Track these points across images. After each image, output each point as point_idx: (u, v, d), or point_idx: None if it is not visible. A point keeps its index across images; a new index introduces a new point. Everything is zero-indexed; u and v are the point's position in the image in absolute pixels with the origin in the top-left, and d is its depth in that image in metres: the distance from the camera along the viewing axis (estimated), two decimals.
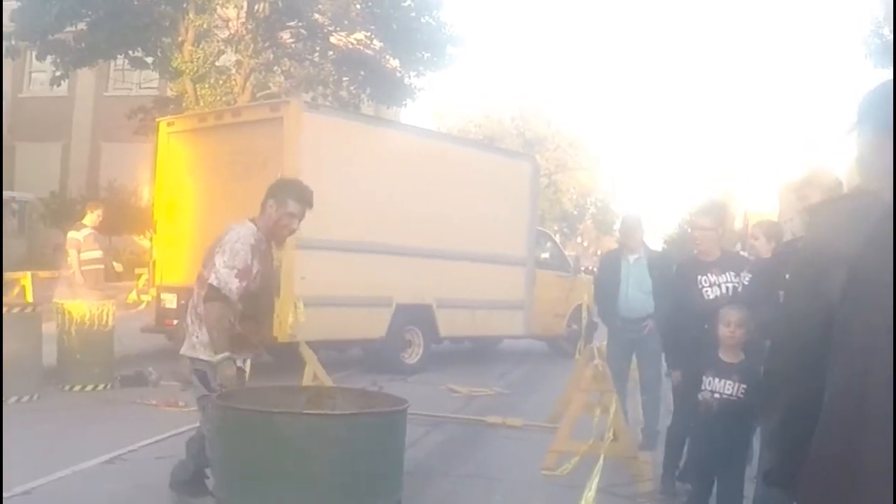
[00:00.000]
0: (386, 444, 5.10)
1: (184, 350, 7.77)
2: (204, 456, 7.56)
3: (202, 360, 7.49)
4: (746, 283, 8.83)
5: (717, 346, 7.66)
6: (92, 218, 18.93)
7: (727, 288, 8.93)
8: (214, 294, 7.35)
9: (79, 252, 18.54)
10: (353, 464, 4.90)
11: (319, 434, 4.95)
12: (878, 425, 2.67)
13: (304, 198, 7.92)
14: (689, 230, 11.61)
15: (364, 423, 5.16)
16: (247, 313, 7.66)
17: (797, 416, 3.08)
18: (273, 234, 7.93)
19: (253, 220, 7.85)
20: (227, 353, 7.20)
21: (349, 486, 4.87)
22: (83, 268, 18.50)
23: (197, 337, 7.57)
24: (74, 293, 16.92)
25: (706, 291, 9.02)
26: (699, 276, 9.10)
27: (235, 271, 7.40)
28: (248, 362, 8.13)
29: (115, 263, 21.72)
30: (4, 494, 8.49)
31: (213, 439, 5.26)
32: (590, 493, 6.87)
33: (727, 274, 9.00)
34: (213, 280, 7.34)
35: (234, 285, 7.35)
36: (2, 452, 7.98)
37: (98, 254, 19.06)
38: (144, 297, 24.76)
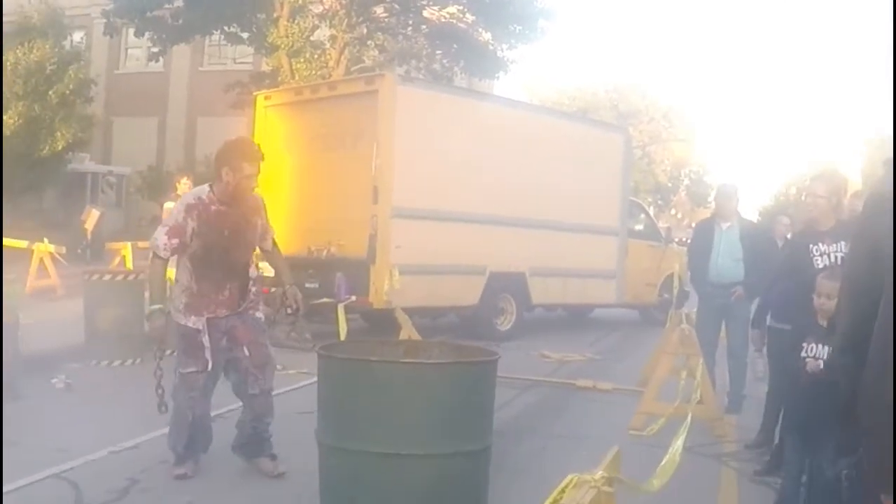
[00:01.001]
0: (477, 392, 5.41)
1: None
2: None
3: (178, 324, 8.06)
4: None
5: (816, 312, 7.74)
6: (183, 187, 19.30)
7: (836, 258, 8.71)
8: (153, 253, 7.95)
9: None
10: (446, 410, 5.22)
11: (415, 381, 5.28)
12: None
13: (255, 157, 8.07)
14: (804, 197, 11.58)
15: (456, 372, 5.48)
16: (199, 273, 7.99)
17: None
18: (235, 199, 8.06)
19: (210, 185, 8.10)
20: (158, 305, 7.80)
21: (442, 430, 5.19)
22: None
23: (171, 301, 8.22)
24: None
25: (816, 260, 9.00)
26: (811, 245, 9.09)
27: (166, 228, 7.87)
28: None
29: None
30: (115, 448, 8.98)
31: (318, 386, 5.59)
32: (676, 451, 7.10)
33: (839, 244, 8.70)
34: (150, 241, 7.98)
35: (161, 241, 7.75)
36: (2, 449, 8.32)
37: None
38: None
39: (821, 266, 8.67)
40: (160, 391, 8.19)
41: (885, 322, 3.01)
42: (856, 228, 3.58)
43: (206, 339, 7.98)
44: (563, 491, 3.73)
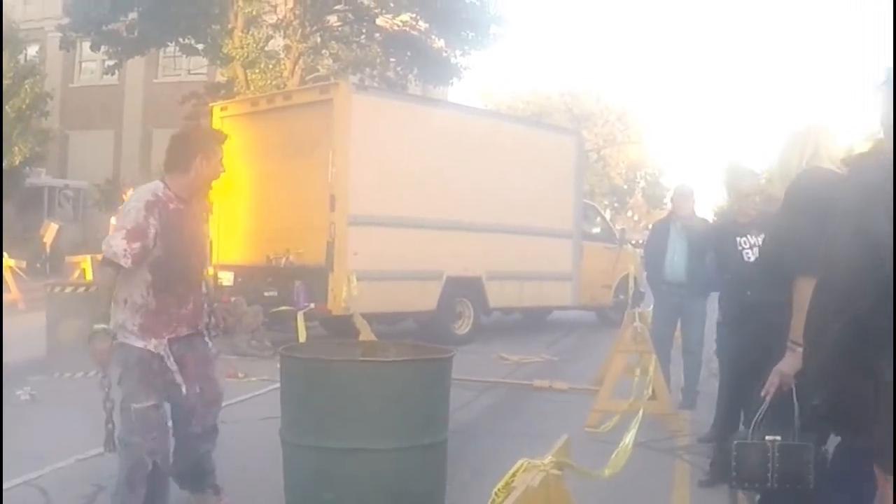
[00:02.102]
0: (433, 387, 5.62)
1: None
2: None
3: (117, 343, 6.64)
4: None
5: None
6: None
7: None
8: (105, 261, 6.56)
9: None
10: (404, 405, 5.43)
11: (373, 379, 5.48)
12: None
13: (223, 138, 7.26)
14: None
15: (412, 369, 5.69)
16: (160, 285, 6.70)
17: (847, 348, 3.40)
18: (202, 190, 7.28)
19: (163, 180, 6.93)
20: (102, 325, 6.40)
21: (400, 425, 5.40)
22: None
23: (118, 321, 6.67)
24: None
25: (746, 253, 9.09)
26: (738, 238, 9.18)
27: (123, 231, 6.48)
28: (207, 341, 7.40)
29: None
30: (82, 456, 9.12)
31: (281, 386, 5.76)
32: (625, 445, 7.31)
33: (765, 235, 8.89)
34: (103, 245, 6.53)
35: (119, 248, 6.40)
36: (2, 447, 8.47)
37: None
38: None
39: (752, 259, 8.82)
40: (110, 426, 6.76)
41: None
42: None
43: (171, 363, 6.79)
44: (513, 475, 3.95)
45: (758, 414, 5.29)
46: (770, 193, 9.49)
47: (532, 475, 3.94)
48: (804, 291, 4.37)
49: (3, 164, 32.59)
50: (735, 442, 5.34)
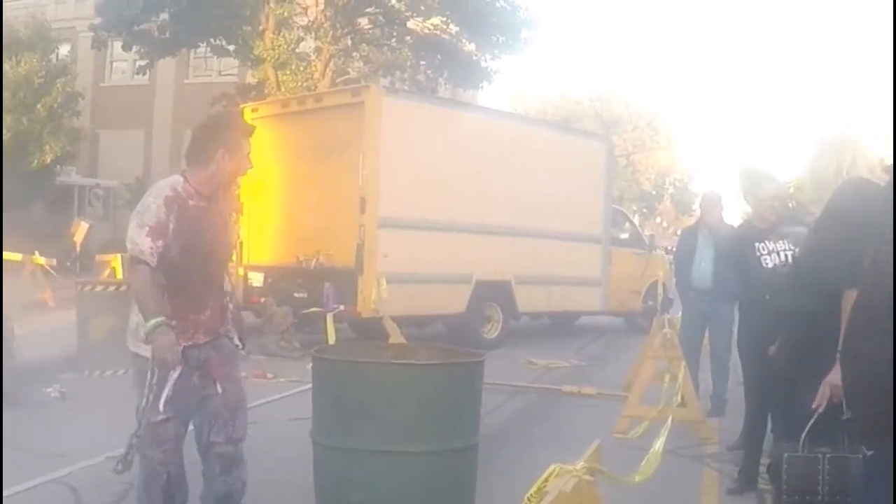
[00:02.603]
0: (464, 391, 5.62)
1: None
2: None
3: (131, 354, 6.27)
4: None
5: None
6: None
7: (786, 255, 8.70)
8: (135, 259, 6.03)
9: None
10: (435, 408, 5.43)
11: (405, 381, 5.49)
12: None
13: (250, 131, 6.64)
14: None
15: (444, 372, 5.69)
16: (175, 288, 6.16)
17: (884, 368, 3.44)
18: (226, 186, 6.81)
19: (183, 174, 6.34)
20: (160, 318, 5.82)
21: (431, 428, 5.41)
22: None
23: (129, 328, 6.26)
24: None
25: (765, 259, 9.01)
26: (756, 244, 9.08)
27: (147, 229, 5.97)
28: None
29: None
30: (112, 454, 9.13)
31: (313, 387, 5.76)
32: (655, 451, 7.28)
33: (784, 240, 8.71)
34: (127, 244, 6.01)
35: (145, 244, 5.93)
36: (2, 452, 8.51)
37: None
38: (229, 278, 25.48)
39: (769, 266, 8.73)
40: (135, 440, 6.12)
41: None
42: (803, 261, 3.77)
43: (188, 372, 6.24)
44: (546, 480, 3.95)
45: (807, 426, 5.26)
46: (798, 201, 9.40)
47: (564, 480, 3.95)
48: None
49: (34, 163, 32.75)
50: (786, 455, 5.31)
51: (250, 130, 6.55)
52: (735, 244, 9.58)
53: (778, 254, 8.70)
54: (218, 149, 6.20)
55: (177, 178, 6.21)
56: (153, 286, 5.94)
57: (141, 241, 5.89)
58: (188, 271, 6.14)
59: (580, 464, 4.11)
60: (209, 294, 6.41)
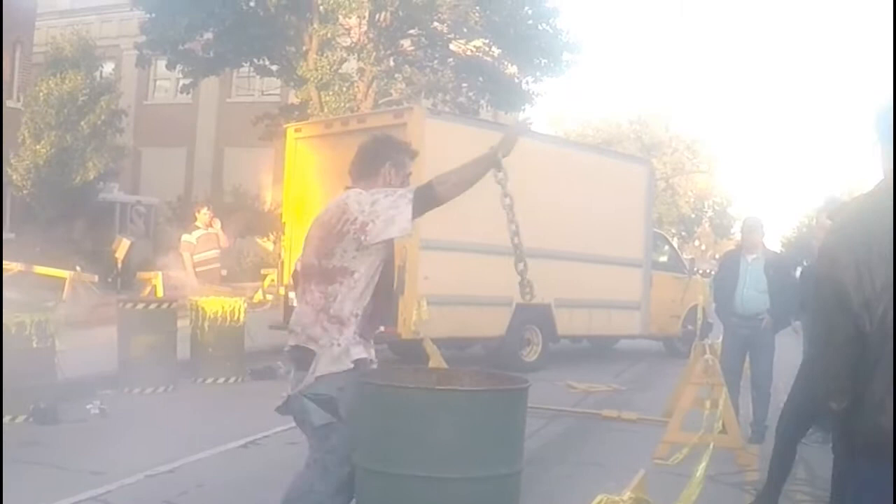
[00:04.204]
0: (508, 418, 5.59)
1: (324, 369, 6.02)
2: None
3: (346, 374, 5.99)
4: None
5: None
6: (203, 218, 19.26)
7: None
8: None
9: (192, 254, 18.88)
10: (479, 435, 5.39)
11: (450, 407, 5.45)
12: None
13: (414, 154, 6.81)
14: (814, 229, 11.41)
15: (489, 399, 5.65)
16: (379, 286, 6.23)
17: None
18: None
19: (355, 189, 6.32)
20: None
21: (475, 455, 5.37)
22: (198, 269, 18.85)
23: (339, 345, 6.03)
24: (192, 294, 17.32)
25: None
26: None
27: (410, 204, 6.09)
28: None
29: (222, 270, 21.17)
30: (151, 472, 9.19)
31: (356, 412, 5.73)
32: (697, 478, 7.25)
33: None
34: (395, 230, 5.97)
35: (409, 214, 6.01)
36: (2, 467, 8.56)
37: (213, 253, 19.29)
38: (269, 297, 25.56)
39: None
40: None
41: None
42: (819, 270, 3.77)
43: None
44: None
45: None
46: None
47: None
48: None
49: (77, 180, 32.95)
50: None
51: (414, 153, 6.78)
52: (803, 275, 9.52)
53: None
54: (385, 163, 6.43)
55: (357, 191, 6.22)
56: None
57: (407, 211, 5.99)
58: (383, 277, 6.27)
59: (627, 494, 4.09)
60: (389, 292, 6.64)
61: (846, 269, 3.40)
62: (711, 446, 8.62)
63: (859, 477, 3.61)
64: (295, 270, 6.95)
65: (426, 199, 6.13)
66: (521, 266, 6.46)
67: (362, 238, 5.93)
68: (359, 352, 6.04)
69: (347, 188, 6.36)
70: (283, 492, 6.26)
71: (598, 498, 4.01)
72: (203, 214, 19.25)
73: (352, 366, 5.97)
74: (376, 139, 6.68)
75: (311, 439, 6.21)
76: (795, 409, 8.86)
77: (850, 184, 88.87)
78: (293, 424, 11.61)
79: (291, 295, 19.02)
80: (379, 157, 6.47)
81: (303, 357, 6.15)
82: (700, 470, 7.72)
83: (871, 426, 3.45)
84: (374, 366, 6.25)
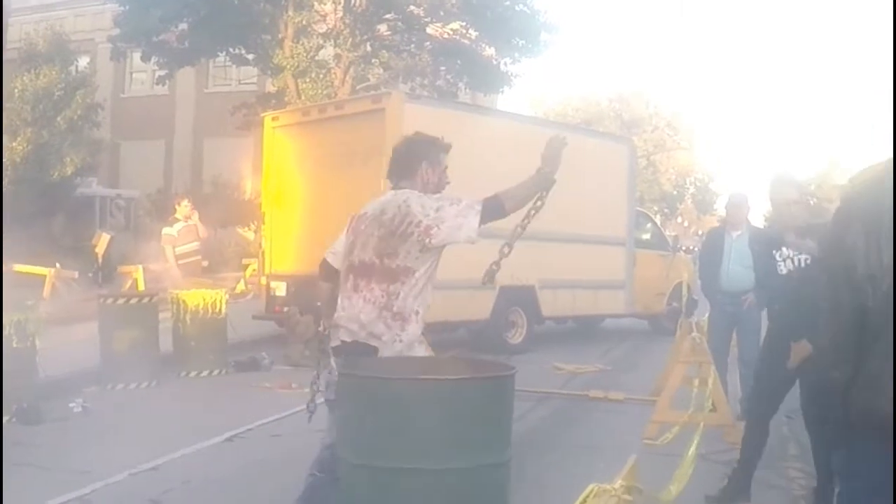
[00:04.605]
0: (495, 406, 5.49)
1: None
2: None
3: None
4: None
5: None
6: (183, 210, 19.19)
7: (800, 260, 8.64)
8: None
9: (174, 247, 18.81)
10: (466, 424, 5.30)
11: (434, 397, 5.36)
12: None
13: (447, 147, 6.99)
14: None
15: (474, 387, 5.55)
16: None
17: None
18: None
19: (394, 188, 6.70)
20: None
21: (462, 445, 5.27)
22: (180, 261, 18.78)
23: (401, 341, 6.38)
24: (173, 286, 17.27)
25: (780, 266, 8.87)
26: (774, 252, 8.96)
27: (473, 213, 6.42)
28: None
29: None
30: (135, 470, 9.09)
31: (339, 404, 5.67)
32: (690, 458, 7.19)
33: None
34: (461, 235, 6.39)
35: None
36: (1, 468, 8.48)
37: (193, 245, 19.19)
38: (251, 287, 25.49)
39: (784, 272, 8.58)
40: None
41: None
42: (828, 242, 3.72)
43: None
44: (584, 500, 3.84)
45: None
46: (818, 198, 9.22)
47: (604, 500, 3.83)
48: None
49: (55, 175, 32.75)
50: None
51: (447, 147, 6.92)
52: (758, 248, 9.44)
53: (793, 260, 8.57)
54: (421, 161, 6.66)
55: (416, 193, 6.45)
56: None
57: (474, 220, 6.36)
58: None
59: (618, 482, 4.00)
60: None
61: (856, 240, 3.33)
62: (702, 425, 8.55)
63: (853, 454, 3.53)
64: (326, 263, 7.08)
65: (493, 213, 6.43)
66: (506, 250, 6.41)
67: (426, 241, 6.25)
68: (420, 351, 6.45)
69: (392, 188, 6.65)
70: None
71: (590, 488, 3.92)
72: (183, 206, 19.16)
73: None
74: (408, 140, 6.86)
75: None
76: (761, 386, 8.76)
77: (831, 158, 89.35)
78: (276, 417, 11.59)
79: (274, 285, 18.97)
80: (414, 157, 6.69)
81: (363, 353, 6.30)
82: (692, 449, 7.66)
83: (863, 404, 3.37)
84: None
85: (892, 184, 3.33)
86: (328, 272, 7.00)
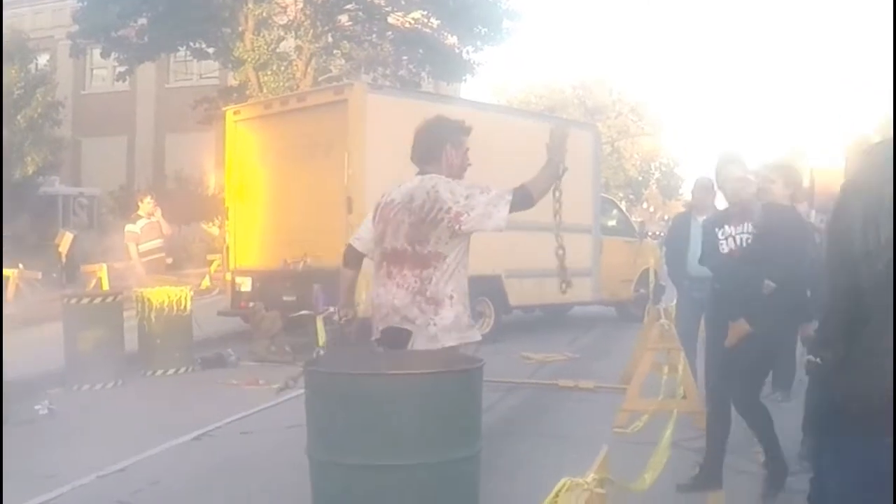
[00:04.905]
0: (463, 399, 5.45)
1: (421, 347, 6.46)
2: None
3: (444, 350, 6.46)
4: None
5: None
6: (146, 207, 19.10)
7: (741, 240, 8.41)
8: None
9: (137, 244, 18.72)
10: (435, 418, 5.26)
11: (403, 392, 5.31)
12: None
13: (468, 130, 7.12)
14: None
15: (442, 381, 5.51)
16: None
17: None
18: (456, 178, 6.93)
19: (420, 174, 6.87)
20: None
21: (432, 439, 5.23)
22: (144, 259, 18.73)
23: (435, 324, 6.44)
24: (137, 284, 17.19)
25: (721, 244, 8.80)
26: (717, 229, 8.88)
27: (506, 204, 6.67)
28: None
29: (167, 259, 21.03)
30: (103, 472, 8.98)
31: (306, 401, 5.61)
32: (664, 446, 7.15)
33: (745, 224, 8.37)
34: (489, 224, 6.62)
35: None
36: (2, 462, 8.39)
37: (157, 242, 19.14)
38: (216, 283, 25.35)
39: (725, 251, 8.53)
40: None
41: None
42: (830, 219, 3.67)
43: None
44: (556, 495, 3.78)
45: None
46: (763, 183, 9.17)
47: (576, 495, 3.76)
48: None
49: (16, 175, 32.54)
50: None
51: (468, 129, 7.05)
52: (703, 227, 9.40)
53: (735, 238, 8.51)
54: (444, 145, 6.84)
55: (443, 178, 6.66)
56: None
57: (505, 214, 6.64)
58: None
59: (591, 476, 3.93)
60: None
61: (854, 218, 3.28)
62: (675, 412, 8.50)
63: (840, 441, 3.48)
64: (351, 249, 7.30)
65: (523, 203, 6.73)
66: (560, 252, 6.71)
67: (456, 227, 6.43)
68: (452, 339, 6.46)
69: (417, 173, 6.85)
70: None
71: (562, 482, 3.85)
72: (146, 203, 19.06)
73: (450, 343, 6.42)
74: (430, 124, 6.99)
75: None
76: (712, 369, 8.72)
77: (794, 146, 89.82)
78: (244, 413, 11.50)
79: (239, 280, 18.85)
80: (437, 141, 6.87)
81: (397, 337, 6.48)
82: (666, 436, 7.62)
83: (852, 388, 3.32)
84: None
85: (892, 163, 3.28)
86: (353, 258, 7.26)
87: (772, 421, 8.13)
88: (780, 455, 8.03)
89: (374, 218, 7.05)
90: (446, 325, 6.42)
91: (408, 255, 6.51)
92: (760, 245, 8.00)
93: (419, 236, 6.47)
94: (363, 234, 7.17)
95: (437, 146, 6.83)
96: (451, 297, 6.50)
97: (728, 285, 8.19)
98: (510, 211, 6.58)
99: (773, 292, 7.70)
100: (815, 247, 9.20)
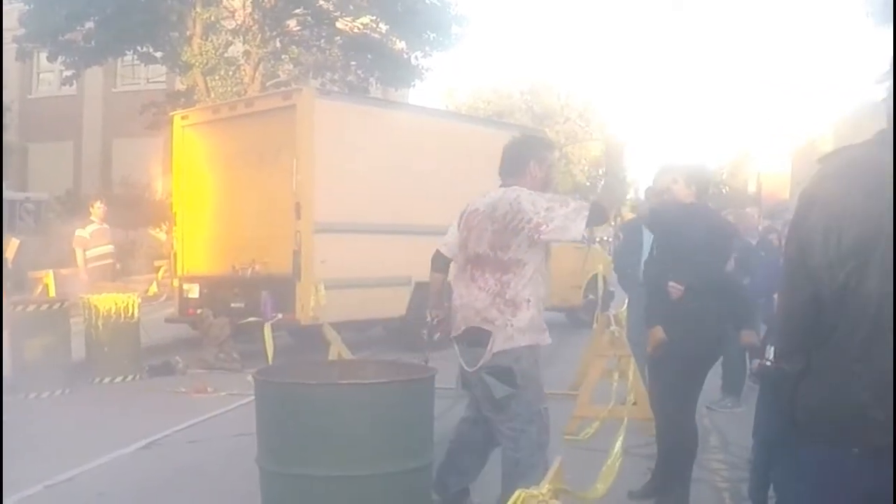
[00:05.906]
0: (415, 409, 5.44)
1: (500, 346, 6.87)
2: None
3: (520, 349, 6.92)
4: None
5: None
6: (97, 212, 18.97)
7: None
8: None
9: (84, 250, 18.62)
10: (387, 428, 5.24)
11: (354, 402, 5.28)
12: None
13: (552, 146, 7.75)
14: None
15: (394, 391, 5.50)
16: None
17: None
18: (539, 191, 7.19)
19: (504, 187, 7.27)
20: None
21: (385, 449, 5.21)
22: (91, 264, 18.62)
23: (512, 325, 6.88)
24: (83, 291, 16.86)
25: (646, 249, 8.81)
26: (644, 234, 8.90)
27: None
28: None
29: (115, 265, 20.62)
30: (48, 482, 8.87)
31: (257, 411, 5.56)
32: (616, 454, 7.17)
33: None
34: (568, 234, 6.93)
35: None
36: (2, 454, 8.30)
37: (107, 248, 19.08)
38: (163, 290, 25.17)
39: (644, 259, 8.61)
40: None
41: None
42: (788, 230, 3.66)
43: None
44: None
45: None
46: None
47: None
48: None
49: None
50: None
51: (552, 146, 7.63)
52: (624, 231, 9.51)
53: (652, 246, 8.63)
54: (529, 161, 7.28)
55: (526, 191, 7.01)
56: None
57: (581, 227, 6.82)
58: None
59: (545, 487, 3.91)
60: None
61: (815, 225, 3.24)
62: (626, 420, 8.51)
63: (799, 456, 3.46)
64: (439, 254, 7.83)
65: (598, 219, 7.01)
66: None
67: (535, 236, 6.80)
68: (527, 339, 6.96)
69: (501, 185, 7.30)
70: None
71: (517, 493, 3.83)
72: (97, 208, 18.96)
73: (525, 343, 6.93)
74: (518, 141, 7.59)
75: (491, 412, 6.99)
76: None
77: (743, 149, 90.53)
78: (193, 422, 11.42)
79: (186, 286, 18.71)
80: (523, 157, 7.35)
81: (478, 337, 6.93)
82: (618, 444, 7.62)
83: (812, 401, 3.30)
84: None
85: (860, 170, 3.26)
86: (441, 262, 7.79)
87: (696, 445, 8.14)
88: (680, 478, 7.94)
89: (458, 225, 7.53)
90: (522, 326, 6.89)
91: (490, 260, 6.95)
92: (665, 244, 8.14)
93: (501, 243, 6.89)
94: (448, 239, 7.67)
95: (523, 161, 7.29)
96: (529, 301, 6.96)
97: (647, 292, 8.36)
98: (586, 225, 6.84)
99: (688, 296, 7.68)
100: (750, 249, 9.24)
